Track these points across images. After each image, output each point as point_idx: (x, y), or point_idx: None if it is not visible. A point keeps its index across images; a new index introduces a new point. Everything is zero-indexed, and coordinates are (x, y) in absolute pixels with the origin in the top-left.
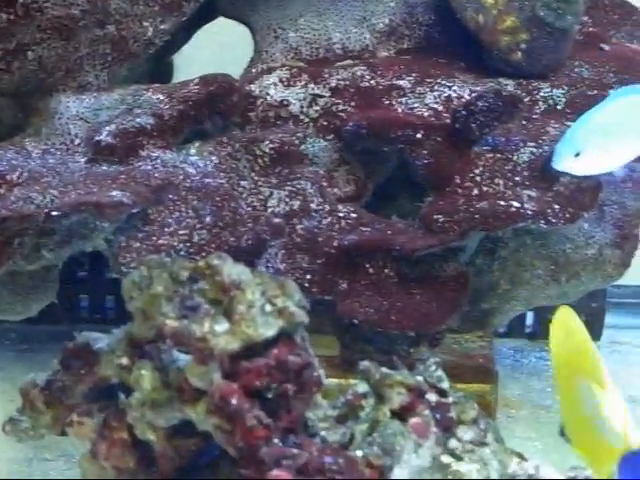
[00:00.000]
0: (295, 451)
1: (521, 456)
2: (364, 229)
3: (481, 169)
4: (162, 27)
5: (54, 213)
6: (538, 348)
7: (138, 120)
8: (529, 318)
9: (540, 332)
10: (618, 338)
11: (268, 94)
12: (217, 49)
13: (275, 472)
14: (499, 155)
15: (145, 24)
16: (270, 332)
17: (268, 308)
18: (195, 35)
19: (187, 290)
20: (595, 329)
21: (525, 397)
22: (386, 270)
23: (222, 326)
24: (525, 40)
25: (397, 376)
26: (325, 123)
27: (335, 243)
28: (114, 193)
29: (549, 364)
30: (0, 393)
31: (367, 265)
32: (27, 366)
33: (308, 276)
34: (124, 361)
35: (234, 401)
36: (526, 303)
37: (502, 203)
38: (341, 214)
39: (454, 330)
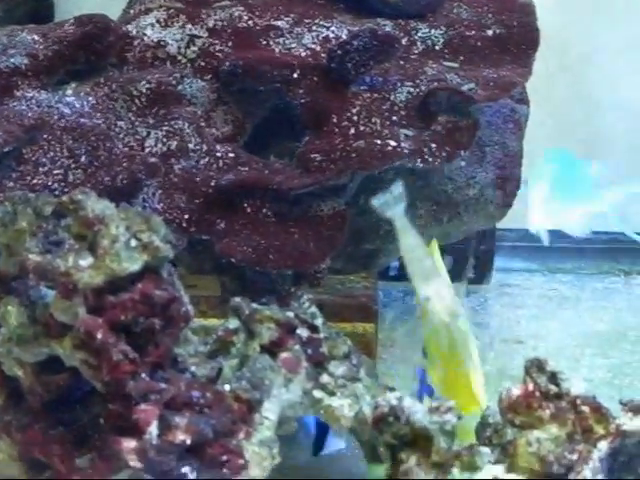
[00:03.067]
0: (162, 386)
1: (394, 391)
2: (242, 169)
3: (358, 108)
4: None
5: None
6: None
7: (12, 60)
8: None
9: None
10: (508, 281)
11: (145, 35)
12: None
13: (142, 406)
14: (376, 94)
15: None
16: (135, 266)
17: (133, 243)
18: None
19: (51, 225)
20: (484, 272)
21: (411, 338)
22: (264, 209)
23: (86, 261)
24: None
25: (266, 311)
26: (203, 63)
27: (213, 183)
28: None
29: None
30: None
31: (245, 204)
32: None
33: (186, 216)
34: None
35: (99, 335)
36: None
37: (379, 142)
38: (219, 154)
39: (338, 271)
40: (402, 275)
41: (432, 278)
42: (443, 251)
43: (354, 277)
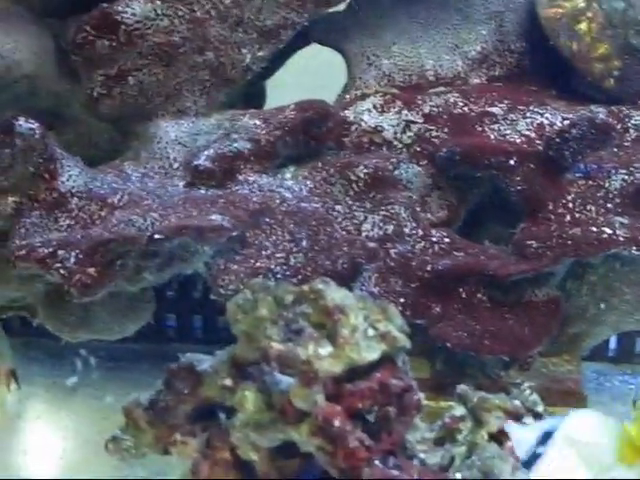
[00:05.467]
0: (396, 473)
1: None
2: (457, 254)
3: (573, 196)
4: (260, 54)
5: (157, 236)
6: (621, 372)
7: (235, 145)
8: (612, 342)
9: (623, 356)
10: None
11: (362, 120)
12: (299, 73)
13: None
14: (591, 182)
15: (244, 51)
16: (373, 356)
17: (371, 332)
18: None
19: (291, 314)
20: None
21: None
22: (479, 294)
23: (326, 349)
24: (618, 67)
25: (495, 400)
26: (419, 149)
27: (429, 267)
28: (214, 217)
29: (632, 388)
30: (94, 410)
31: (460, 289)
32: (116, 384)
33: (402, 300)
34: (227, 382)
35: (337, 423)
36: (614, 327)
37: (594, 229)
38: (434, 239)
39: (541, 354)
40: (595, 354)
41: None
42: None
43: (557, 359)
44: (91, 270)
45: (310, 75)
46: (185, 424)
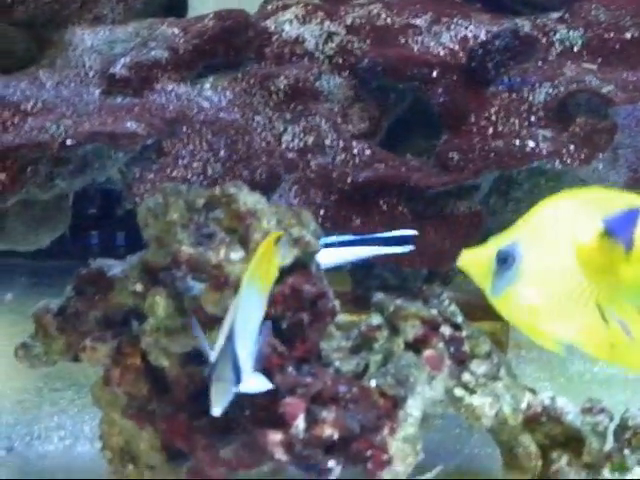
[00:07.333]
0: (309, 380)
1: (533, 391)
2: (378, 166)
3: (497, 108)
4: None
5: (68, 142)
6: None
7: (153, 53)
8: None
9: None
10: None
11: (283, 30)
12: None
13: (289, 400)
14: (515, 95)
15: None
16: (285, 261)
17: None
18: None
19: (203, 218)
20: None
21: None
22: (400, 207)
23: (237, 254)
24: None
25: (412, 308)
26: (340, 60)
27: (349, 179)
28: (128, 124)
29: None
30: (12, 324)
31: (381, 202)
32: (38, 299)
33: (321, 211)
34: (138, 287)
35: None
36: None
37: (517, 142)
38: (355, 150)
39: None
40: None
41: None
42: None
43: None
44: (2, 176)
45: None
46: (95, 330)
